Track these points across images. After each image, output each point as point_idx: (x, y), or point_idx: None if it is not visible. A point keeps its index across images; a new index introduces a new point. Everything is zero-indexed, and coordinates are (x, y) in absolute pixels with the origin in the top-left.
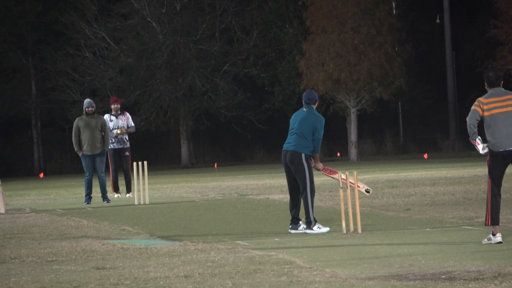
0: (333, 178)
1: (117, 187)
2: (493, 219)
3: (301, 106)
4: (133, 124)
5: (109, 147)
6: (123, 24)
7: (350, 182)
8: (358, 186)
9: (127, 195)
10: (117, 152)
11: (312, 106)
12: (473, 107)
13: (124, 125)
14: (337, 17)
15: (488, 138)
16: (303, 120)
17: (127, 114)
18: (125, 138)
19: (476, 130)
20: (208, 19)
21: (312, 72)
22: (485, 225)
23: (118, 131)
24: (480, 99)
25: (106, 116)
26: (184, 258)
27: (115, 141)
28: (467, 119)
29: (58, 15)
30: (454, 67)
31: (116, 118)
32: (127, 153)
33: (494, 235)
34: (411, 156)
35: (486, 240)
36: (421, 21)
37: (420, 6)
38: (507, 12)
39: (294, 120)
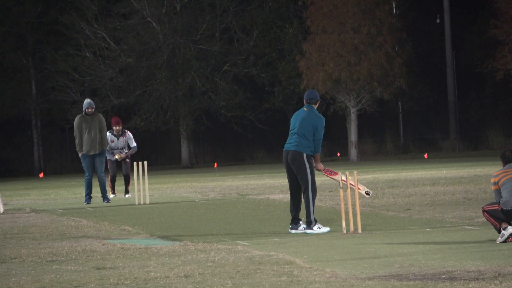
0: (333, 179)
1: (114, 188)
2: (499, 221)
3: (302, 105)
4: (134, 144)
5: (109, 159)
6: (123, 24)
7: (350, 184)
8: (359, 188)
9: (126, 195)
10: (117, 163)
11: (313, 105)
12: (492, 188)
13: (125, 145)
14: (337, 17)
15: (503, 195)
16: (303, 119)
17: (128, 133)
18: (125, 152)
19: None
20: (208, 19)
21: (312, 72)
22: (499, 232)
23: (117, 157)
24: (493, 176)
25: (108, 135)
26: (184, 258)
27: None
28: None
29: (58, 15)
30: (454, 67)
31: (117, 138)
32: (127, 160)
33: (504, 229)
34: (411, 156)
35: (500, 238)
36: (421, 21)
37: (420, 6)
38: (507, 12)
39: (295, 119)
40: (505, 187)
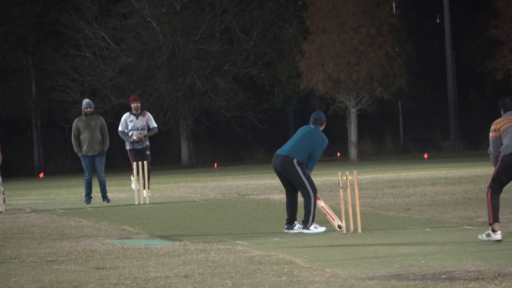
0: None
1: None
2: (495, 217)
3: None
4: (155, 125)
5: (129, 148)
6: (123, 24)
7: (327, 212)
8: (333, 219)
9: (146, 193)
10: (138, 153)
11: (319, 126)
12: (491, 135)
13: (144, 126)
14: (337, 17)
15: (503, 142)
16: (307, 134)
17: (148, 114)
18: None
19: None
20: (208, 19)
21: (312, 72)
22: (489, 224)
23: (135, 138)
24: (494, 123)
25: (126, 116)
26: (184, 258)
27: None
28: (490, 150)
29: (58, 15)
30: (454, 67)
31: (136, 118)
32: (147, 152)
33: (494, 231)
34: (411, 156)
35: (484, 235)
36: (421, 21)
37: (420, 6)
38: (507, 12)
39: (300, 132)
40: (506, 133)
